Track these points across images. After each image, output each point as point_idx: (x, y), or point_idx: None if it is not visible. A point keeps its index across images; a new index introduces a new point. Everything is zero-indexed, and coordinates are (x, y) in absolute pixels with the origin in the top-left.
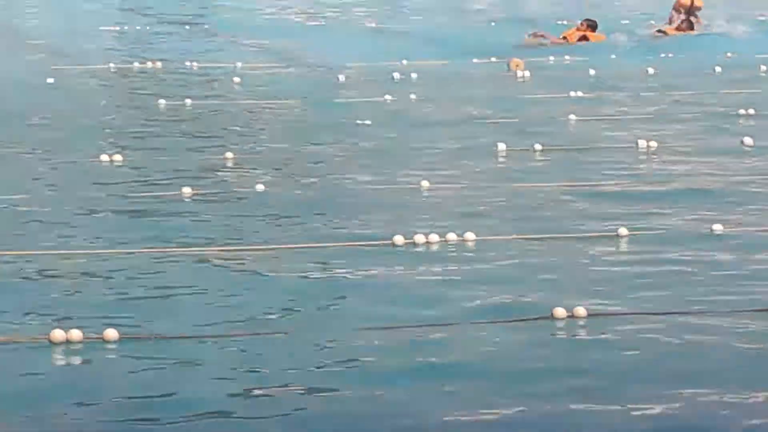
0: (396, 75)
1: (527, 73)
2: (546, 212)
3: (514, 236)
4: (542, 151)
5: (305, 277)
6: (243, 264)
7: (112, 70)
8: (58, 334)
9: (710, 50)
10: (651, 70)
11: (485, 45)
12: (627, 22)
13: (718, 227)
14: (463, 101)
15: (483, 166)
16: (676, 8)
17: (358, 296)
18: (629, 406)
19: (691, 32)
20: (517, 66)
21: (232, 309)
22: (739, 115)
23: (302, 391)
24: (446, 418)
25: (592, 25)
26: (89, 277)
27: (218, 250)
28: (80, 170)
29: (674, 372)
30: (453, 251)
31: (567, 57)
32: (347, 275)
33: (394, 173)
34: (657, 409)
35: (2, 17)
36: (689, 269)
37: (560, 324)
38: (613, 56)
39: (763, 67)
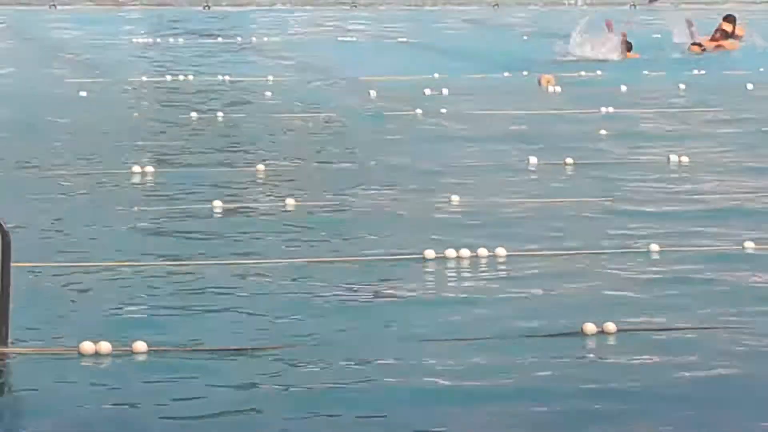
0: (427, 90)
1: (558, 89)
2: (577, 227)
3: (545, 251)
4: (573, 165)
5: (334, 290)
6: (272, 278)
7: (145, 82)
8: (87, 346)
9: (742, 67)
10: (683, 86)
11: (517, 60)
12: (658, 36)
13: (749, 245)
14: (494, 116)
15: (514, 181)
16: (718, 30)
17: (388, 310)
18: (657, 423)
19: (726, 43)
20: (548, 82)
21: (261, 322)
22: None
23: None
24: None
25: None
26: (119, 288)
27: (252, 263)
28: (112, 182)
29: (703, 388)
30: (484, 266)
31: (599, 72)
32: (377, 289)
33: (425, 187)
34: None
35: (35, 31)
36: (720, 287)
37: (590, 339)
38: (645, 72)
39: None
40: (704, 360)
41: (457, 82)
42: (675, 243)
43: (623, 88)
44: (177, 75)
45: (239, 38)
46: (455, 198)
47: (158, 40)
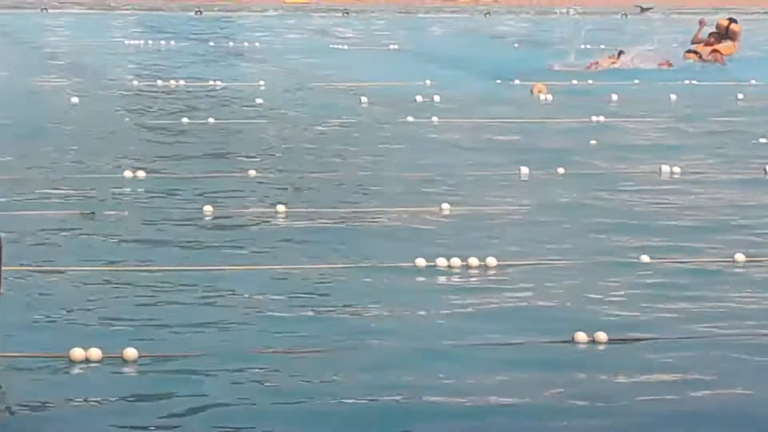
0: (419, 98)
1: (549, 97)
2: (568, 237)
3: (536, 261)
4: (564, 175)
5: (325, 297)
6: (262, 283)
7: (136, 87)
8: (77, 353)
9: (733, 78)
10: (673, 97)
11: (509, 68)
12: (651, 47)
13: (740, 257)
14: (486, 124)
15: (505, 190)
16: (712, 35)
17: (379, 318)
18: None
19: (722, 47)
20: (539, 91)
21: (253, 327)
22: (761, 144)
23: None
24: None
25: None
26: (109, 294)
27: (243, 269)
28: (103, 186)
29: (695, 399)
30: (475, 275)
31: (590, 81)
32: (367, 296)
33: (416, 195)
34: None
35: (26, 34)
36: (711, 299)
37: (581, 348)
38: (636, 81)
39: None
40: (694, 372)
41: (449, 90)
42: (665, 253)
43: (614, 96)
44: (168, 80)
45: (231, 44)
46: (446, 206)
47: (150, 44)
